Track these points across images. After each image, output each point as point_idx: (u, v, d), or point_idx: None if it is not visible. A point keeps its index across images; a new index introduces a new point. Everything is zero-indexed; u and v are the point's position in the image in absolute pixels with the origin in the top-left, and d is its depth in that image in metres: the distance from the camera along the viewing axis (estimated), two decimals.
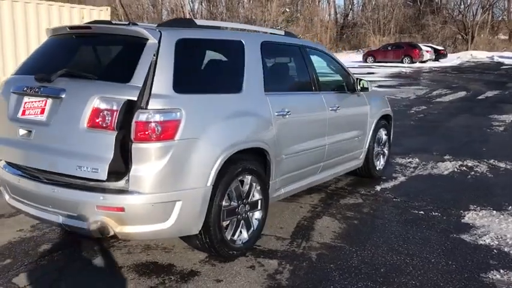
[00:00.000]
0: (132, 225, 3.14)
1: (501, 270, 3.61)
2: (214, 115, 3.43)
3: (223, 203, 3.55)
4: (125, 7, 51.47)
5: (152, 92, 3.12)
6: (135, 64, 3.18)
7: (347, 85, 5.37)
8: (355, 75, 5.54)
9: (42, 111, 3.36)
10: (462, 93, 16.70)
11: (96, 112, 3.11)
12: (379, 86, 18.34)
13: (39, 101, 3.40)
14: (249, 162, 3.74)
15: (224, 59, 4.01)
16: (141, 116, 3.06)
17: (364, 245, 4.05)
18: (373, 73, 25.64)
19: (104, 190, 3.12)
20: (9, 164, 3.65)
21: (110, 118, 3.08)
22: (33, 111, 3.41)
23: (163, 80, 3.19)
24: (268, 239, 4.13)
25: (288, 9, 48.04)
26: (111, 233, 3.14)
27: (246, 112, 3.74)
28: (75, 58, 3.65)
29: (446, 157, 7.26)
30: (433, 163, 6.91)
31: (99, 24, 3.65)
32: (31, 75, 3.47)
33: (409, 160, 7.08)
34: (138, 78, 3.13)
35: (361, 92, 5.55)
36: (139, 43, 3.27)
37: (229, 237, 3.64)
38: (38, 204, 3.37)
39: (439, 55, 36.44)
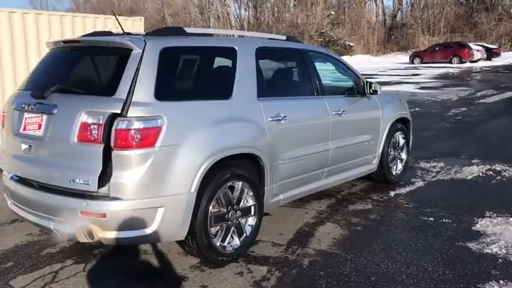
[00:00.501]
0: (114, 230, 3.21)
1: (501, 281, 3.44)
2: (198, 122, 3.45)
3: (211, 209, 3.57)
4: (172, 16, 52.77)
5: (133, 100, 3.19)
6: (120, 76, 3.26)
7: (357, 89, 5.26)
8: (371, 78, 5.43)
9: (39, 127, 3.50)
10: (509, 94, 15.97)
11: (84, 126, 3.21)
12: (422, 88, 17.85)
13: (36, 117, 3.54)
14: (239, 168, 3.75)
15: (214, 66, 4.03)
16: (120, 124, 3.13)
17: (361, 252, 3.96)
18: (418, 75, 24.97)
19: (87, 196, 3.20)
20: None
21: (96, 132, 3.17)
22: (32, 126, 3.56)
23: (144, 89, 3.25)
24: (264, 245, 4.11)
25: (333, 12, 47.60)
26: (96, 238, 3.23)
27: (235, 118, 3.75)
28: (69, 72, 3.77)
29: (474, 161, 6.96)
30: (458, 167, 6.65)
31: (88, 37, 3.77)
32: (30, 91, 3.64)
33: (433, 164, 6.85)
34: (122, 90, 3.21)
35: (373, 95, 5.43)
36: (124, 54, 3.35)
37: (218, 244, 3.65)
38: (32, 209, 3.51)
39: (491, 54, 34.99)
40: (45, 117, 3.47)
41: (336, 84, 5.32)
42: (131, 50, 3.35)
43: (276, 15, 52.54)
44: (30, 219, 3.58)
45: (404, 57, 39.74)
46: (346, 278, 3.51)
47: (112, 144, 3.13)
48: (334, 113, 4.75)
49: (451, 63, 32.05)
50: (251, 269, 3.68)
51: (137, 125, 3.15)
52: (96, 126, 3.17)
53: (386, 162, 5.71)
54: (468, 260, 3.80)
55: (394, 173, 5.91)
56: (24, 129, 3.62)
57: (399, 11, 55.56)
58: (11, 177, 3.71)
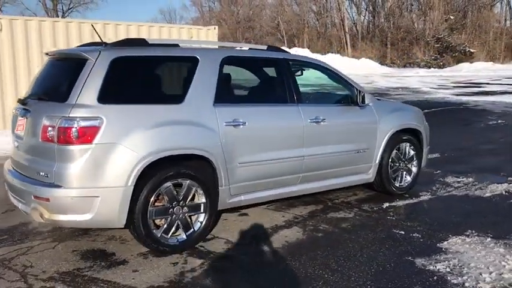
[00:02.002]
0: (57, 213, 3.75)
1: None
2: (138, 123, 3.86)
3: (154, 203, 3.96)
4: (287, 23, 53.75)
5: (77, 102, 3.71)
6: (74, 82, 3.80)
7: (348, 98, 5.30)
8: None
9: (23, 128, 4.18)
10: None
11: (45, 128, 3.80)
12: None
13: (21, 120, 4.23)
14: (186, 167, 4.09)
15: (169, 73, 4.41)
16: (63, 123, 3.67)
17: (301, 256, 4.07)
18: None
19: (38, 183, 3.79)
20: None
21: (52, 133, 3.74)
22: (19, 128, 4.25)
23: (90, 93, 3.76)
24: (217, 241, 4.40)
25: (452, 17, 45.01)
26: (45, 219, 3.80)
27: (184, 122, 4.10)
28: (44, 80, 4.37)
29: (510, 178, 6.50)
30: (484, 184, 6.28)
31: (58, 50, 4.39)
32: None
33: (459, 179, 6.54)
34: (73, 96, 3.75)
35: (371, 104, 5.42)
36: (81, 63, 3.89)
37: (159, 235, 4.02)
38: (15, 195, 4.15)
39: None
40: (25, 120, 4.13)
41: (317, 92, 5.39)
42: (86, 59, 3.88)
43: (391, 20, 51.07)
44: (15, 204, 4.24)
45: None
46: (263, 276, 3.67)
47: (55, 140, 3.67)
48: (310, 120, 4.86)
49: None
50: (188, 261, 4.00)
51: (76, 124, 3.66)
52: (51, 128, 3.74)
53: (386, 173, 5.62)
54: (401, 274, 3.74)
55: (397, 185, 5.78)
56: (17, 130, 4.32)
57: None
58: (9, 171, 4.38)
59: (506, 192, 5.94)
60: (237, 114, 4.38)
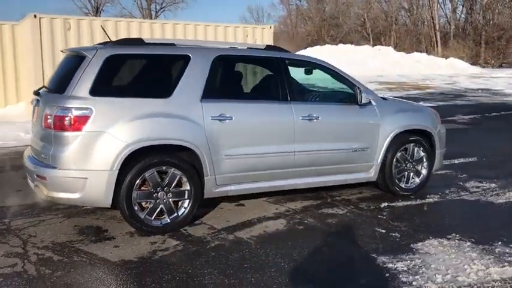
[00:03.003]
0: (53, 191, 4.31)
1: None
2: (126, 114, 4.31)
3: (140, 187, 4.40)
4: (373, 20, 52.58)
5: (72, 94, 4.24)
6: (72, 77, 4.34)
7: (348, 97, 5.41)
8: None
9: (35, 117, 4.80)
10: None
11: (46, 116, 4.37)
12: None
13: (35, 109, 4.85)
14: (170, 156, 4.48)
15: (160, 70, 4.78)
16: (59, 112, 4.21)
17: (269, 245, 4.30)
18: None
19: (40, 163, 4.38)
20: None
21: (50, 120, 4.31)
22: (34, 116, 4.86)
23: (83, 86, 4.27)
24: (201, 227, 4.75)
25: None
26: (45, 195, 4.38)
27: (169, 114, 4.48)
28: (55, 75, 4.95)
29: None
30: (505, 191, 6.06)
31: (69, 48, 4.92)
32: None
33: (481, 184, 6.35)
34: (70, 89, 4.29)
35: (374, 104, 5.48)
36: (81, 59, 4.42)
37: (143, 216, 4.45)
38: (27, 175, 4.79)
39: None
40: (36, 109, 4.75)
41: (324, 92, 5.52)
42: (85, 56, 4.40)
43: (487, 17, 48.20)
44: (29, 184, 4.86)
45: None
46: (224, 260, 3.97)
47: (52, 126, 4.23)
48: (301, 118, 5.04)
49: None
50: (166, 241, 4.39)
51: (70, 113, 4.18)
52: (50, 116, 4.31)
53: (390, 173, 5.64)
54: (356, 268, 3.86)
55: (403, 186, 5.76)
56: (33, 118, 4.95)
57: None
58: (28, 156, 4.99)
59: None
60: (223, 109, 4.69)
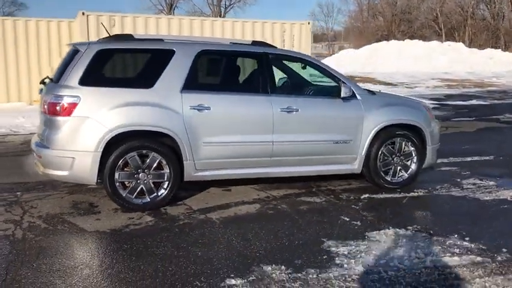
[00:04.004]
0: (47, 168, 4.93)
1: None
2: (109, 102, 4.82)
3: (123, 168, 4.91)
4: (446, 15, 50.55)
5: (64, 83, 4.83)
6: (66, 68, 4.94)
7: (331, 91, 5.62)
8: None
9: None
10: None
11: (44, 103, 4.98)
12: None
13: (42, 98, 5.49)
14: (150, 141, 4.96)
15: (145, 63, 5.25)
16: (52, 99, 4.82)
17: (231, 226, 4.66)
18: None
19: (39, 144, 5.02)
20: None
21: (46, 106, 4.92)
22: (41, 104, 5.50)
23: (74, 76, 4.84)
24: (180, 207, 5.19)
25: None
26: (41, 172, 5.02)
27: (151, 103, 4.95)
28: (58, 66, 5.54)
29: None
30: (499, 189, 6.01)
31: (74, 42, 5.51)
32: None
33: (478, 182, 6.32)
34: (63, 79, 4.88)
35: (359, 98, 5.66)
36: (76, 53, 5.01)
37: (125, 194, 4.96)
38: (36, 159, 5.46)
39: None
40: (40, 96, 5.40)
41: (309, 86, 5.75)
42: (78, 50, 4.98)
43: None
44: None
45: None
46: (184, 235, 4.39)
47: (46, 112, 4.85)
48: (280, 109, 5.34)
49: None
50: (142, 218, 4.87)
51: (59, 100, 4.77)
52: (46, 103, 4.92)
53: (374, 166, 5.78)
54: (299, 249, 4.12)
55: (389, 179, 5.88)
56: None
57: None
58: (35, 141, 5.63)
59: (510, 199, 5.62)
60: (202, 100, 5.09)
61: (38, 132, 5.25)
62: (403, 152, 5.91)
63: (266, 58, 5.45)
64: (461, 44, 39.47)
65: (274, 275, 3.65)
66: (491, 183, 6.26)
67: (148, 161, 4.99)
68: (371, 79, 28.44)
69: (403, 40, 40.79)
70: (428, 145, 5.98)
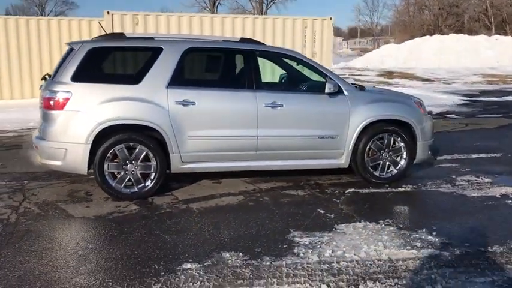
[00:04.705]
0: (43, 158, 5.33)
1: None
2: (98, 97, 5.15)
3: (113, 159, 5.24)
4: (497, 7, 48.67)
5: (58, 80, 5.20)
6: (61, 65, 5.31)
7: (318, 87, 5.73)
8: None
9: None
10: None
11: (41, 98, 5.38)
12: None
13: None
14: (137, 134, 5.25)
15: (134, 60, 5.54)
16: (47, 94, 5.20)
17: (207, 215, 4.89)
18: None
19: (38, 136, 5.42)
20: None
21: (42, 101, 5.31)
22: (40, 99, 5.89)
23: (66, 73, 5.19)
24: (167, 197, 5.47)
25: None
26: (39, 162, 5.42)
27: (137, 98, 5.24)
28: (57, 64, 5.91)
29: None
30: (491, 186, 5.97)
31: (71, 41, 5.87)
32: None
33: (474, 179, 6.28)
34: (58, 76, 5.25)
35: (346, 94, 5.76)
36: (71, 51, 5.37)
37: (113, 184, 5.29)
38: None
39: None
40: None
41: (296, 81, 5.89)
42: (73, 48, 5.33)
43: None
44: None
45: None
46: (160, 223, 4.66)
47: (42, 106, 5.23)
48: (265, 105, 5.51)
49: None
50: (128, 206, 5.17)
51: (53, 95, 5.14)
52: (41, 98, 5.31)
53: (362, 161, 5.86)
54: (262, 238, 4.30)
55: (377, 174, 5.94)
56: None
57: None
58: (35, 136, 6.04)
59: (500, 195, 5.57)
60: (187, 95, 5.34)
61: (38, 126, 5.65)
62: (393, 147, 5.94)
63: (252, 55, 5.63)
64: (510, 37, 37.97)
65: (229, 261, 3.84)
66: (487, 180, 6.19)
67: (135, 153, 5.28)
68: (410, 75, 27.94)
69: (449, 34, 39.67)
70: (418, 141, 5.99)
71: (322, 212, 5.00)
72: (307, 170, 6.24)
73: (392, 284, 3.49)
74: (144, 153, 5.29)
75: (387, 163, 5.97)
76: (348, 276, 3.60)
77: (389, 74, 28.78)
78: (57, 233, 4.50)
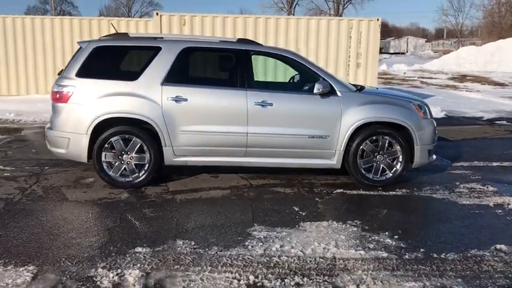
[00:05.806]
0: (51, 146, 5.87)
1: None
2: (98, 92, 5.60)
3: (111, 150, 5.68)
4: None
5: (65, 75, 5.72)
6: (70, 62, 5.83)
7: (310, 87, 5.81)
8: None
9: None
10: None
11: (51, 91, 5.94)
12: None
13: None
14: (132, 127, 5.65)
15: (134, 58, 5.90)
16: (54, 88, 5.73)
17: (189, 206, 5.17)
18: None
19: (48, 126, 5.99)
20: None
21: (51, 94, 5.87)
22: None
23: (72, 69, 5.70)
24: (159, 188, 5.81)
25: None
26: (49, 149, 5.99)
27: (134, 94, 5.62)
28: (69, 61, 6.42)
29: None
30: (489, 195, 5.74)
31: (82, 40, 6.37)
32: None
33: (479, 187, 6.07)
34: (66, 71, 5.78)
35: (339, 95, 5.80)
36: (79, 50, 5.88)
37: (110, 173, 5.72)
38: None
39: None
40: None
41: (289, 82, 5.98)
42: (81, 47, 5.84)
43: None
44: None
45: None
46: (138, 211, 5.00)
47: (51, 99, 5.78)
48: (255, 103, 5.69)
49: None
50: (120, 193, 5.57)
51: (60, 89, 5.66)
52: (52, 91, 5.86)
53: (353, 163, 5.86)
54: (221, 231, 4.50)
55: (370, 176, 5.91)
56: None
57: None
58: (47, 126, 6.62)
59: (494, 205, 5.35)
60: (180, 92, 5.65)
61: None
62: (388, 150, 5.87)
63: (245, 55, 5.82)
64: None
65: (179, 248, 4.09)
66: (491, 189, 5.94)
67: (130, 144, 5.67)
68: (484, 79, 26.60)
69: None
70: (416, 144, 5.87)
71: (296, 209, 5.09)
72: (307, 170, 6.33)
73: (320, 280, 3.56)
74: (138, 145, 5.67)
75: (382, 166, 5.90)
76: (280, 270, 3.71)
77: (462, 78, 27.50)
78: (46, 213, 4.96)
